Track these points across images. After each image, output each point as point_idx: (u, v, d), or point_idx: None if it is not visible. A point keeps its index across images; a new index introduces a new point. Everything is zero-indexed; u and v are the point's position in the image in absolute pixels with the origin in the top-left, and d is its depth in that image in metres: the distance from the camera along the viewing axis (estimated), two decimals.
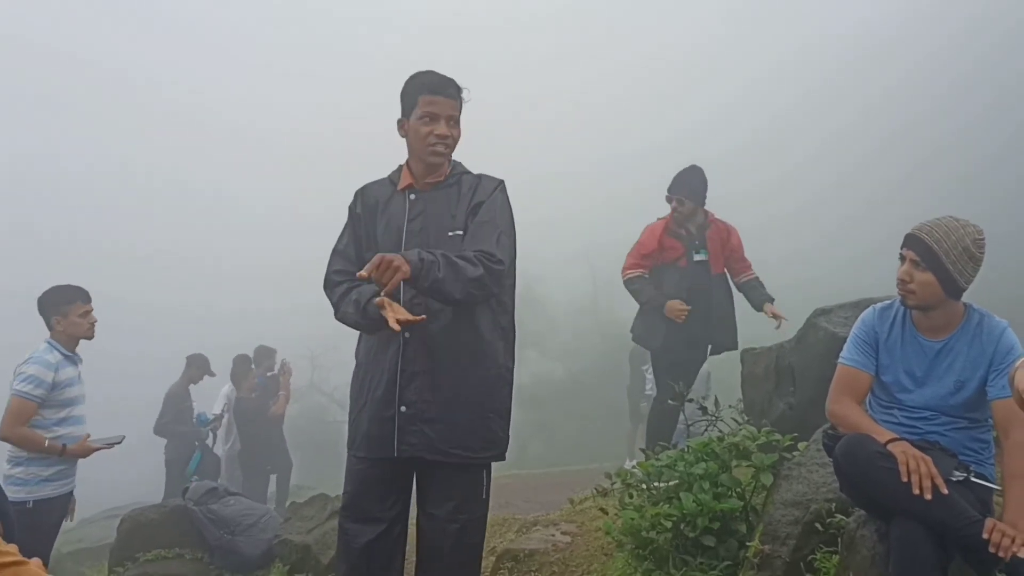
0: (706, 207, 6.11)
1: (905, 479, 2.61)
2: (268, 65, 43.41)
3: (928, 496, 2.57)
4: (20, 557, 1.55)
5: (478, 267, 3.04)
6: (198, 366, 9.82)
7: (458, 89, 3.29)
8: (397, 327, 2.91)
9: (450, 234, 3.23)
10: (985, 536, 2.51)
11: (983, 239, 2.91)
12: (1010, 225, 15.18)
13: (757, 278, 6.29)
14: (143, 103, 41.96)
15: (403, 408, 3.16)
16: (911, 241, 2.97)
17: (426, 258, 2.93)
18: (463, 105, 3.34)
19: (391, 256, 2.85)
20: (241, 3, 45.68)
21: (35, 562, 1.58)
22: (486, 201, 3.27)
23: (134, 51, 43.47)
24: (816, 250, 21.56)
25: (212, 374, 9.95)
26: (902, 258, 3.00)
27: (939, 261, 2.87)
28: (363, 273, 2.83)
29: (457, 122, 3.28)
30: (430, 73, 3.29)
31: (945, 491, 2.59)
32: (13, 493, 4.65)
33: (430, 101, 3.22)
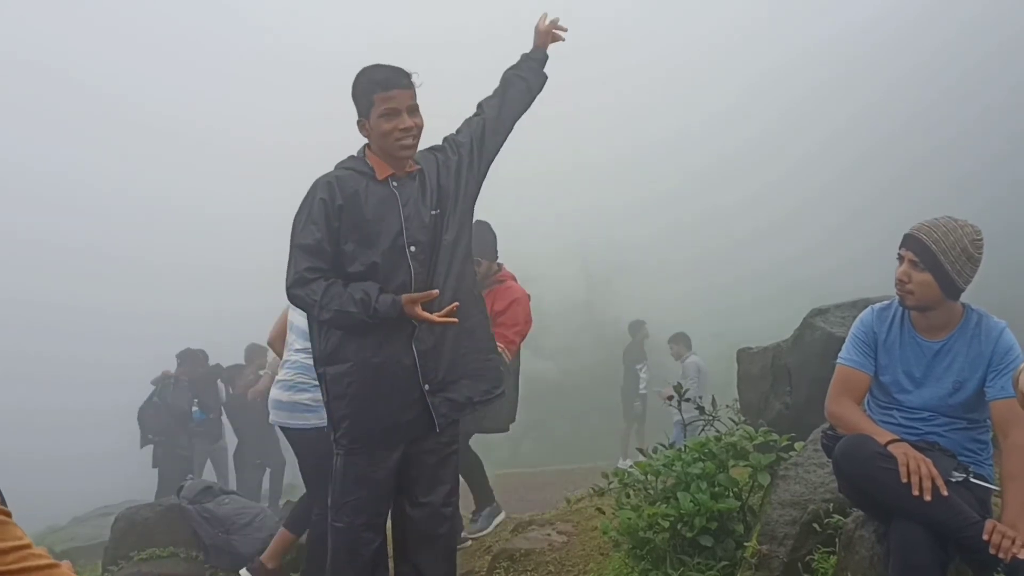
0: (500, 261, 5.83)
1: (905, 480, 2.61)
2: (238, 78, 43.64)
3: (928, 497, 2.57)
4: (52, 560, 1.55)
5: None
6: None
7: (410, 77, 3.29)
8: (452, 321, 3.15)
9: (433, 212, 3.32)
10: (985, 537, 2.52)
11: (981, 240, 2.91)
12: (1005, 225, 15.21)
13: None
14: (117, 113, 42.11)
15: (427, 386, 3.25)
16: (909, 241, 2.97)
17: None
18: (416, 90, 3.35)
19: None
20: (216, 17, 45.90)
21: (66, 564, 1.59)
22: (440, 152, 3.51)
23: (106, 62, 43.72)
24: (814, 251, 21.60)
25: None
26: (900, 258, 3.00)
27: (937, 261, 2.87)
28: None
29: (417, 110, 3.29)
30: (377, 68, 3.28)
31: (945, 492, 2.60)
32: (305, 420, 4.41)
33: (387, 97, 3.22)
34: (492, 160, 3.64)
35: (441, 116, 3.69)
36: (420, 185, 3.36)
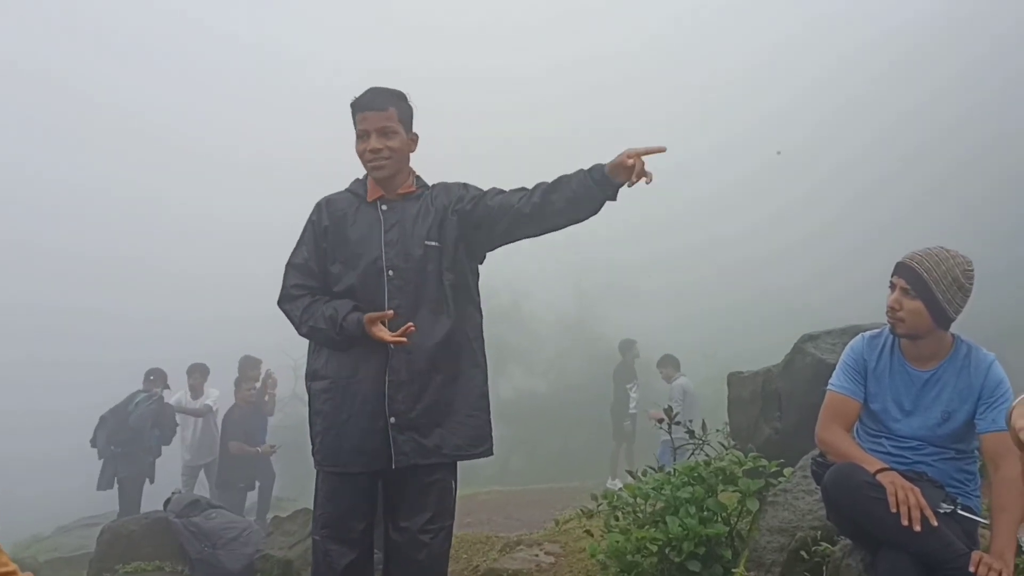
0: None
1: (894, 510, 2.61)
2: (242, 92, 44.49)
3: (917, 527, 2.57)
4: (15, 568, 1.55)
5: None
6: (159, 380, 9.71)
7: (388, 98, 3.28)
8: (402, 340, 3.03)
9: (427, 243, 3.26)
10: (972, 569, 2.52)
11: (972, 270, 2.94)
12: (1007, 260, 15.19)
13: None
14: (117, 122, 42.70)
15: (392, 419, 3.16)
16: (901, 269, 2.99)
17: None
18: (406, 111, 3.32)
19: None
20: (220, 33, 46.75)
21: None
22: (454, 187, 3.39)
23: (113, 76, 44.54)
24: (808, 279, 21.62)
25: (167, 387, 9.79)
26: (892, 286, 3.02)
27: (929, 290, 2.90)
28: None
29: (391, 132, 3.25)
30: (364, 92, 3.31)
31: (935, 523, 2.60)
32: None
33: (360, 119, 3.26)
34: (491, 250, 3.43)
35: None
36: (421, 210, 3.31)
